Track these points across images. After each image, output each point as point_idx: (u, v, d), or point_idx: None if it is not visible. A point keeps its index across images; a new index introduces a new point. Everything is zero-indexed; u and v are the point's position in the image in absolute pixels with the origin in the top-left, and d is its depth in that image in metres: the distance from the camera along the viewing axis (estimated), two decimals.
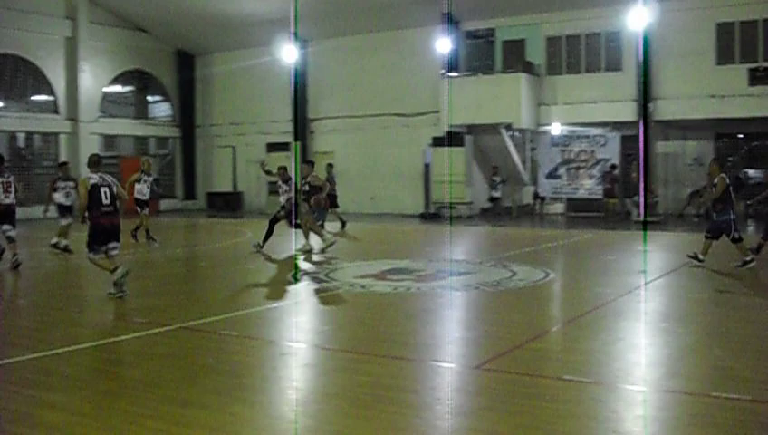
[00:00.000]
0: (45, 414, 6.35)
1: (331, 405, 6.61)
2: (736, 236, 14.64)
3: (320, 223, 18.59)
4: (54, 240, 18.57)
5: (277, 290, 13.38)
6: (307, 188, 18.23)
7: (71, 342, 8.98)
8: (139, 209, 20.26)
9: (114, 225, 12.22)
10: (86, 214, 12.09)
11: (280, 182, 18.45)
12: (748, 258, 14.58)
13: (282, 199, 18.31)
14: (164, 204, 36.92)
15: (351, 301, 11.98)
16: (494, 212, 29.52)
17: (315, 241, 18.55)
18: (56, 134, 33.86)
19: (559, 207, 30.62)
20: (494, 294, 12.25)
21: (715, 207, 14.99)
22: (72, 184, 18.89)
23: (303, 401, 6.72)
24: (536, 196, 30.10)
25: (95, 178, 12.08)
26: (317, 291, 12.77)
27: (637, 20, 25.12)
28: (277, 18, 30.40)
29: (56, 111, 33.80)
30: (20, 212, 27.39)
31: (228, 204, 36.24)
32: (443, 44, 29.53)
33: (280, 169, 18.70)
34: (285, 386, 7.28)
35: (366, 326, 10.08)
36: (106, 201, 11.98)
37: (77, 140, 33.85)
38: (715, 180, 14.69)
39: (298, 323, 10.44)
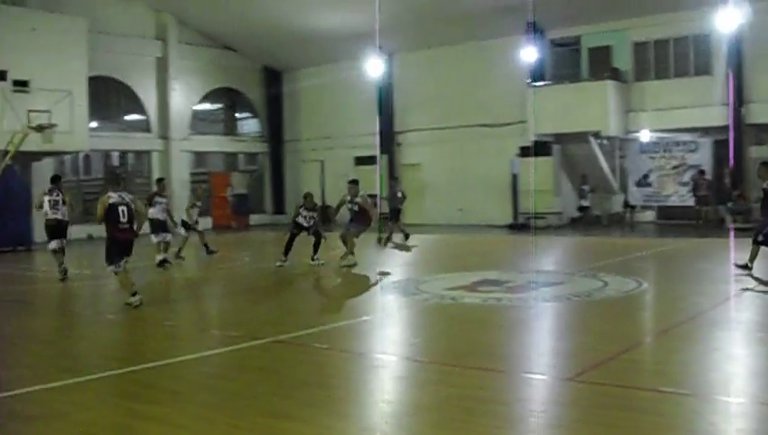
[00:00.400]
0: (145, 426, 6.49)
1: (422, 418, 6.61)
2: (759, 239, 14.23)
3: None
4: (160, 257, 19.02)
5: (367, 303, 13.46)
6: (356, 208, 18.26)
7: (168, 355, 9.19)
8: (183, 231, 20.53)
9: (129, 240, 12.93)
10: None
11: (303, 211, 18.65)
12: (750, 264, 14.24)
13: (303, 222, 18.57)
14: (254, 218, 37.47)
15: (442, 313, 11.98)
16: (584, 221, 29.17)
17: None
18: (148, 152, 34.67)
19: (650, 216, 30.10)
20: (586, 304, 12.11)
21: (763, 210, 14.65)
22: (166, 200, 19.44)
23: (395, 414, 6.76)
24: (626, 204, 29.65)
25: (114, 197, 12.74)
26: (407, 303, 12.81)
27: (727, 22, 24.60)
28: (362, 32, 30.60)
29: (148, 130, 34.61)
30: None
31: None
32: (528, 54, 29.34)
33: (306, 196, 19.11)
34: (377, 398, 7.32)
35: (456, 338, 10.06)
36: (123, 219, 12.66)
37: (168, 157, 34.62)
38: (765, 184, 14.38)
39: (389, 336, 10.50)
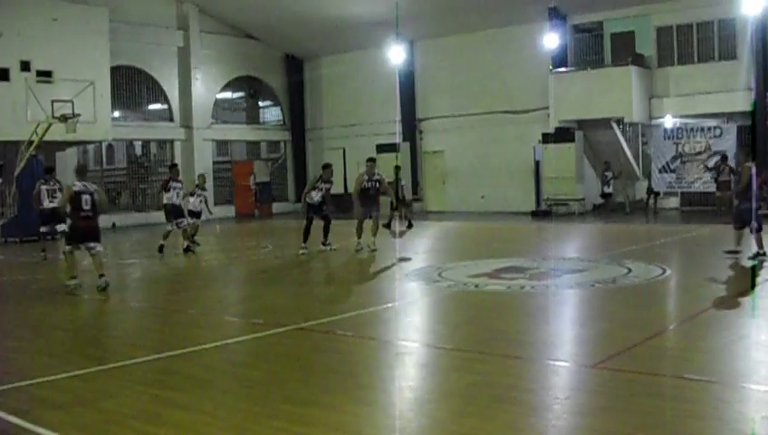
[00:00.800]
0: (170, 413, 6.53)
1: (447, 405, 6.61)
2: (756, 226, 14.61)
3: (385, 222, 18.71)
4: (186, 244, 19.27)
5: (390, 290, 13.44)
6: (377, 185, 18.29)
7: (192, 343, 9.22)
8: (188, 220, 20.19)
9: (91, 227, 13.69)
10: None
11: (320, 184, 18.63)
12: (762, 251, 14.50)
13: (315, 197, 18.53)
14: (276, 207, 37.53)
15: (465, 300, 11.98)
16: (607, 208, 28.99)
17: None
18: (171, 141, 34.83)
19: (673, 202, 29.90)
20: (610, 291, 12.05)
21: (738, 195, 15.18)
22: (180, 185, 19.61)
23: (420, 401, 6.76)
24: (650, 191, 29.41)
25: (79, 185, 13.56)
26: (430, 290, 12.80)
27: (751, 6, 24.34)
28: (384, 20, 30.58)
29: (171, 119, 34.75)
30: (139, 217, 28.81)
31: (339, 206, 36.42)
32: (550, 40, 29.19)
33: (325, 167, 19.08)
34: (402, 385, 7.30)
35: (480, 325, 10.05)
36: (86, 207, 13.47)
37: (191, 146, 34.73)
38: (739, 168, 15.21)
39: (412, 323, 10.49)
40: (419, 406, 6.59)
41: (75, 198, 13.43)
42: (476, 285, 12.82)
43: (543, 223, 26.82)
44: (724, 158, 26.84)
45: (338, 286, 14.35)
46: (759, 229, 14.64)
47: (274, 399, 6.81)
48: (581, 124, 29.81)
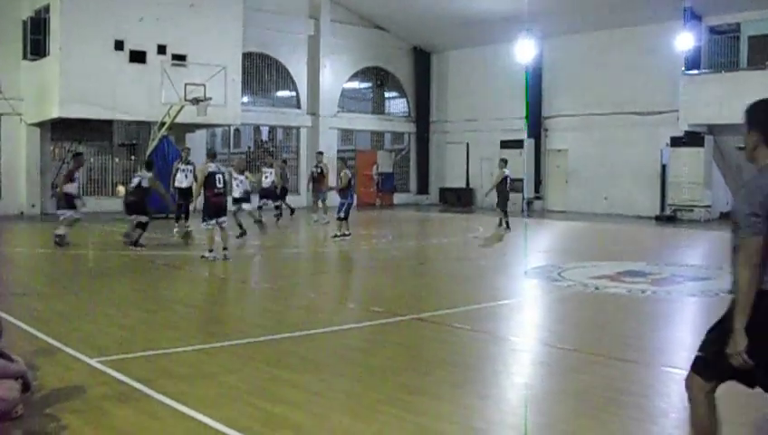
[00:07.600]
0: (286, 392, 6.67)
1: (562, 404, 6.57)
2: (342, 216, 18.94)
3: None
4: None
5: (509, 286, 13.43)
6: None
7: (310, 326, 9.43)
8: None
9: (222, 203, 15.57)
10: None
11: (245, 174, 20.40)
12: (347, 232, 19.00)
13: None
14: (398, 198, 37.73)
15: (584, 301, 11.84)
16: None
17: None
18: (297, 128, 35.38)
19: None
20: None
21: (340, 193, 19.33)
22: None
23: (535, 398, 6.72)
24: None
25: (212, 167, 15.51)
26: (549, 289, 12.71)
27: None
28: (513, 15, 30.33)
29: (298, 106, 35.28)
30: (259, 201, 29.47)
31: (460, 199, 36.45)
32: (684, 40, 28.45)
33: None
34: (516, 382, 7.30)
35: (598, 327, 9.93)
36: (219, 185, 15.36)
37: (316, 133, 35.20)
38: (341, 174, 19.16)
39: (530, 321, 10.46)
40: (533, 403, 6.55)
41: (210, 178, 15.26)
42: (597, 287, 12.65)
43: (667, 228, 26.21)
44: None
45: (456, 280, 14.36)
46: (342, 219, 18.65)
47: (389, 386, 6.88)
48: (712, 129, 28.96)
